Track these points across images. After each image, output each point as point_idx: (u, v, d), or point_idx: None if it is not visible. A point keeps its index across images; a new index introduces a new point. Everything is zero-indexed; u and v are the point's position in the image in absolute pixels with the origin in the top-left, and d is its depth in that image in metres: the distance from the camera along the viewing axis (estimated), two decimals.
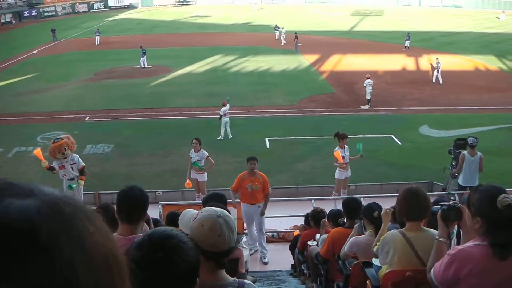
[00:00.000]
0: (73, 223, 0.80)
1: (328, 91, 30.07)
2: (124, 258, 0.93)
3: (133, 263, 1.98)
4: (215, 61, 39.41)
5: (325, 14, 70.35)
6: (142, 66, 36.66)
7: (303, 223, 9.56)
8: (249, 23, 62.91)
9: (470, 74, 34.42)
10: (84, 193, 13.21)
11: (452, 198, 11.67)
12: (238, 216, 10.83)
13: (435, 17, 66.25)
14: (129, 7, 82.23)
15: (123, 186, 4.01)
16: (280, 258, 11.30)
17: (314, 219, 8.39)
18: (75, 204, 0.84)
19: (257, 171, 11.04)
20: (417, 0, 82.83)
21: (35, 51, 45.60)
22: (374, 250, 4.74)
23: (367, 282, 4.83)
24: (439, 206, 3.72)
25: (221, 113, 21.12)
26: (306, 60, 39.69)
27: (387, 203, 4.59)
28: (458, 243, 3.78)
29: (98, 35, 48.55)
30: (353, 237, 5.85)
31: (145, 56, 36.68)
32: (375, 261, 4.87)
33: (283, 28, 47.76)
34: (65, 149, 12.00)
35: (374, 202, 5.97)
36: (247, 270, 7.36)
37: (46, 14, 72.94)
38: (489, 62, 38.01)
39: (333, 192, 14.76)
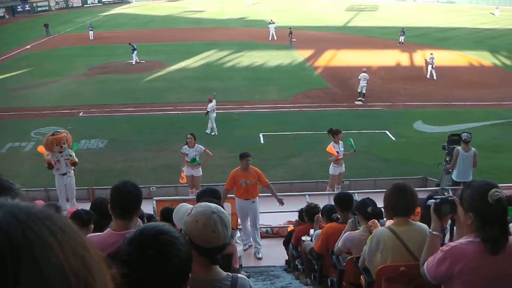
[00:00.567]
0: (37, 233, 0.80)
1: (323, 87, 30.07)
2: (102, 259, 0.92)
3: (125, 258, 1.97)
4: (210, 56, 39.35)
5: (320, 9, 70.28)
6: (133, 63, 36.51)
7: (297, 219, 9.57)
8: (243, 18, 62.79)
9: (464, 70, 34.51)
10: (77, 189, 13.20)
11: (446, 193, 11.69)
12: (232, 212, 10.84)
13: (429, 13, 66.30)
14: (123, 2, 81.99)
15: (117, 182, 3.99)
16: (274, 254, 11.30)
17: (308, 215, 8.39)
18: (35, 213, 0.85)
19: (250, 166, 11.06)
20: None
21: (28, 46, 45.38)
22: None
23: (361, 277, 4.84)
24: (433, 200, 3.72)
25: (208, 109, 21.08)
26: (300, 55, 39.67)
27: (381, 199, 4.58)
28: (451, 237, 3.78)
29: (91, 30, 48.33)
30: (347, 233, 5.85)
31: (135, 52, 36.54)
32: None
33: (273, 23, 47.60)
34: (64, 143, 12.11)
35: (368, 198, 5.98)
36: (241, 266, 7.36)
37: (39, 9, 72.58)
38: (483, 58, 38.09)
39: (327, 187, 14.79)
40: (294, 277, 9.02)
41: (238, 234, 10.41)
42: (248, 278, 3.16)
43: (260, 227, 11.84)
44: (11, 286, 0.75)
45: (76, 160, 12.54)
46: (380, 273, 4.27)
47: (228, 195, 10.95)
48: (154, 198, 11.80)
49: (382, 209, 5.20)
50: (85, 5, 78.29)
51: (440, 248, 3.40)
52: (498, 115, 24.03)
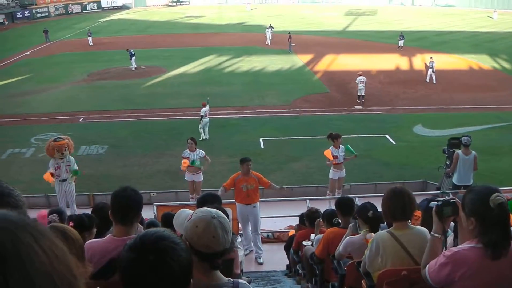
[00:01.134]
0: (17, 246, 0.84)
1: (322, 91, 30.09)
2: (82, 264, 0.97)
3: (125, 265, 1.97)
4: (209, 61, 39.37)
5: (319, 14, 70.39)
6: (133, 68, 36.51)
7: (298, 223, 9.56)
8: (242, 23, 62.86)
9: (464, 73, 34.53)
10: (77, 194, 13.21)
11: (447, 197, 11.70)
12: (233, 217, 10.83)
13: (428, 17, 66.42)
14: (123, 7, 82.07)
15: (117, 187, 3.99)
16: (275, 259, 11.30)
17: (309, 219, 8.38)
18: (22, 223, 0.88)
19: (251, 170, 11.08)
20: None
21: (28, 52, 45.42)
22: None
23: (362, 281, 4.83)
24: (435, 202, 3.71)
25: (201, 114, 21.00)
26: (300, 60, 39.70)
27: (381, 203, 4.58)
28: (456, 239, 3.77)
29: (90, 36, 48.38)
30: (348, 237, 5.85)
31: (133, 58, 36.54)
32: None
33: (271, 28, 47.76)
34: (65, 150, 12.14)
35: (369, 202, 5.96)
36: (242, 271, 7.35)
37: (39, 15, 72.69)
38: (482, 61, 38.14)
39: (327, 192, 14.78)
40: (295, 282, 9.01)
41: (239, 239, 10.40)
42: (249, 283, 3.15)
43: (261, 232, 11.83)
44: None
45: (76, 168, 12.58)
46: (381, 278, 4.27)
47: (229, 201, 10.94)
48: (154, 203, 11.82)
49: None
50: (84, 11, 78.39)
51: (442, 253, 3.39)
52: (497, 118, 24.03)
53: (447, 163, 13.93)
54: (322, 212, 8.14)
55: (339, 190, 14.71)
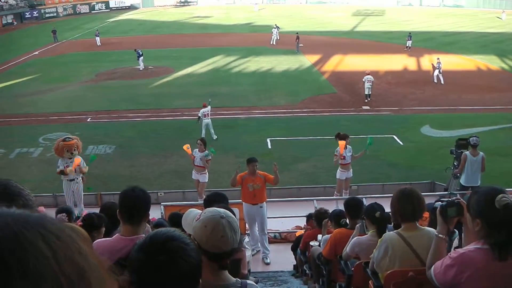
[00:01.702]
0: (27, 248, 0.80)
1: (330, 91, 30.05)
2: (103, 265, 0.93)
3: (135, 265, 1.98)
4: (217, 61, 39.40)
5: (326, 15, 70.32)
6: (140, 68, 36.59)
7: (306, 223, 9.55)
8: (250, 23, 62.88)
9: (472, 74, 34.39)
10: (85, 194, 13.26)
11: (454, 198, 11.66)
12: (240, 217, 10.85)
13: (436, 17, 66.22)
14: (130, 8, 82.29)
15: (125, 187, 4.01)
16: (282, 259, 11.29)
17: (317, 220, 8.37)
18: (30, 221, 0.85)
19: (257, 171, 11.10)
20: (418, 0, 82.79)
21: (36, 52, 45.62)
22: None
23: (369, 282, 4.83)
24: (439, 203, 3.70)
25: (199, 114, 20.86)
26: (307, 60, 39.67)
27: (389, 203, 4.57)
28: (460, 240, 3.77)
29: (98, 36, 48.53)
30: (355, 238, 5.85)
31: (141, 58, 36.61)
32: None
33: (277, 28, 47.79)
34: (74, 150, 12.19)
35: (376, 203, 5.96)
36: (249, 271, 7.36)
37: (47, 15, 73.00)
38: (491, 62, 37.99)
39: (335, 192, 14.77)
40: (302, 282, 9.01)
41: (246, 239, 10.41)
42: (256, 283, 3.16)
43: (268, 232, 11.84)
44: None
45: (85, 170, 12.65)
46: (389, 278, 4.26)
47: (236, 201, 10.95)
48: (162, 203, 11.84)
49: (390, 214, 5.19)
50: (92, 11, 78.66)
51: (448, 254, 3.38)
52: (506, 119, 23.90)
53: (455, 164, 13.87)
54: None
55: (346, 191, 14.69)
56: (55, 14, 74.14)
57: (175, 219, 6.31)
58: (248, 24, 62.17)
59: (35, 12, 71.73)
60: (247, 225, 11.51)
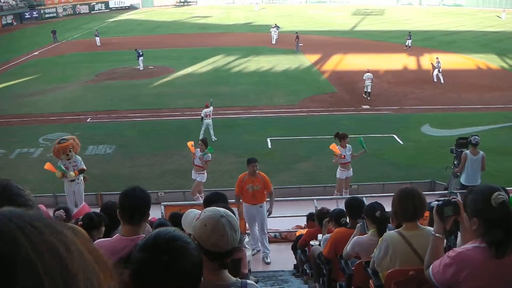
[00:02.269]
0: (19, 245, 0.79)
1: (330, 91, 30.04)
2: (107, 265, 0.91)
3: (138, 264, 1.98)
4: (217, 61, 39.40)
5: (326, 14, 70.34)
6: (140, 68, 36.59)
7: (306, 223, 9.55)
8: (250, 23, 62.88)
9: (472, 73, 34.39)
10: (86, 194, 13.24)
11: (448, 197, 11.66)
12: (240, 217, 10.85)
13: (436, 16, 66.24)
14: (130, 8, 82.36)
15: (125, 187, 4.01)
16: (283, 258, 11.30)
17: (319, 219, 8.37)
18: (35, 222, 0.84)
19: (257, 171, 11.08)
20: None
21: (36, 53, 45.63)
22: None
23: (370, 281, 4.83)
24: (436, 202, 3.70)
25: (202, 115, 20.87)
26: (307, 60, 39.67)
27: (389, 203, 4.57)
28: (455, 239, 3.77)
29: (98, 36, 48.54)
30: (356, 237, 5.85)
31: (141, 58, 36.60)
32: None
33: (276, 27, 47.74)
34: (70, 151, 12.14)
35: (376, 202, 5.96)
36: (249, 270, 7.36)
37: (47, 15, 73.05)
38: (490, 61, 37.99)
39: (335, 191, 14.77)
40: (303, 282, 9.01)
41: (246, 239, 10.42)
42: (256, 283, 3.16)
43: (268, 232, 11.83)
44: None
45: (84, 167, 12.59)
46: (389, 277, 4.27)
47: (234, 201, 10.95)
48: (162, 203, 11.84)
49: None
50: (92, 12, 78.73)
51: (446, 253, 3.38)
52: (506, 118, 23.89)
53: (455, 163, 13.87)
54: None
55: (346, 190, 14.69)
56: (54, 15, 74.18)
57: (175, 219, 6.31)
58: (248, 24, 62.16)
59: (34, 13, 71.75)
60: (247, 225, 11.51)
